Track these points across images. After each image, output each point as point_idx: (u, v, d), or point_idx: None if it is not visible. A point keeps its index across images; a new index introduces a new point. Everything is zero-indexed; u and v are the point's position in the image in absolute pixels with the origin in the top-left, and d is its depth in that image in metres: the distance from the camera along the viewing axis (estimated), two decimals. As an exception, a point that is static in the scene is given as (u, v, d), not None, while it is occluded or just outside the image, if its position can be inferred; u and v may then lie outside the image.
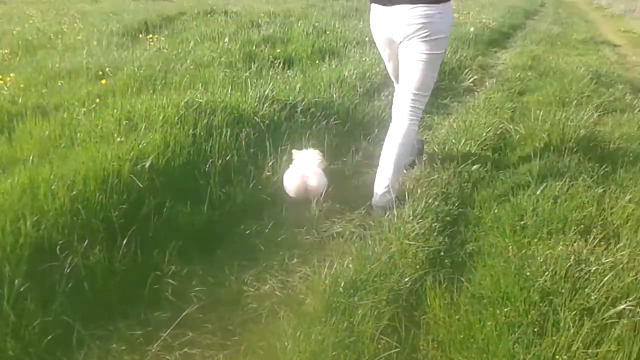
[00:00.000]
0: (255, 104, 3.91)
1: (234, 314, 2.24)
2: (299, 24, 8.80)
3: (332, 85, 4.93)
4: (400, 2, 2.80)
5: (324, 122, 4.08)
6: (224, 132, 3.38)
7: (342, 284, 2.26)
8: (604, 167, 3.42)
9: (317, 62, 6.14)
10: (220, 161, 3.16)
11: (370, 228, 2.86)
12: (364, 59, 6.10)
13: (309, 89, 4.72)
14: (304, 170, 3.11)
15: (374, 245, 2.62)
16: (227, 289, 2.37)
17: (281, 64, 6.00)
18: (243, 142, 3.41)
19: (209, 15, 10.20)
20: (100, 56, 6.02)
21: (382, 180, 3.04)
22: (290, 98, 4.25)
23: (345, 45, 7.27)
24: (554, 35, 10.85)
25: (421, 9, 2.76)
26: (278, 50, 6.69)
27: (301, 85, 4.73)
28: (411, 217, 2.83)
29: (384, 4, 2.90)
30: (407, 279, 2.35)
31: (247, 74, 5.18)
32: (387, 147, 3.07)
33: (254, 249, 2.67)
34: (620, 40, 11.68)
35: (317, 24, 8.87)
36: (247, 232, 2.80)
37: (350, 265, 2.43)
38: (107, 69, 5.08)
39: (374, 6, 3.02)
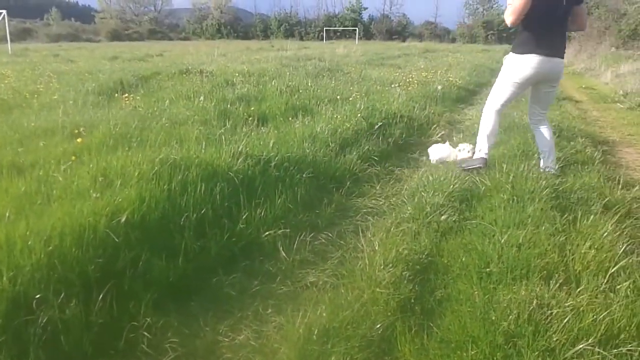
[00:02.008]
0: (230, 160, 4.01)
1: (209, 365, 2.27)
2: (273, 83, 9.08)
3: (304, 141, 5.09)
4: (556, 55, 4.44)
5: (297, 176, 4.19)
6: (199, 187, 3.46)
7: (316, 332, 2.32)
8: (565, 215, 3.57)
9: (290, 119, 6.32)
10: (195, 215, 3.23)
11: (343, 277, 2.92)
12: (335, 116, 6.31)
13: (282, 144, 4.87)
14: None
15: (346, 294, 2.69)
16: (202, 339, 2.41)
17: (255, 121, 6.17)
18: (217, 197, 3.49)
19: (184, 75, 10.45)
20: (76, 115, 6.10)
21: (550, 159, 4.79)
22: (264, 153, 4.37)
23: (318, 103, 7.51)
24: (518, 92, 11.28)
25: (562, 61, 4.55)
26: (252, 108, 6.88)
27: (275, 141, 4.87)
28: (382, 266, 2.91)
29: (550, 56, 4.39)
30: (378, 326, 2.42)
31: (222, 130, 5.32)
32: (548, 139, 4.81)
33: (229, 300, 2.72)
34: (582, 96, 12.23)
35: (290, 83, 9.15)
36: (222, 283, 2.85)
37: (323, 314, 2.49)
38: (81, 128, 5.16)
39: (535, 56, 4.38)
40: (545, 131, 4.83)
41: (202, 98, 7.37)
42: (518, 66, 4.51)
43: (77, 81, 9.52)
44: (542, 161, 4.85)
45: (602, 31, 24.01)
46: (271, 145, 4.70)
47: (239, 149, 4.24)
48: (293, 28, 72.70)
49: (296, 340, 2.29)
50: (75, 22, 74.51)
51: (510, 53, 4.62)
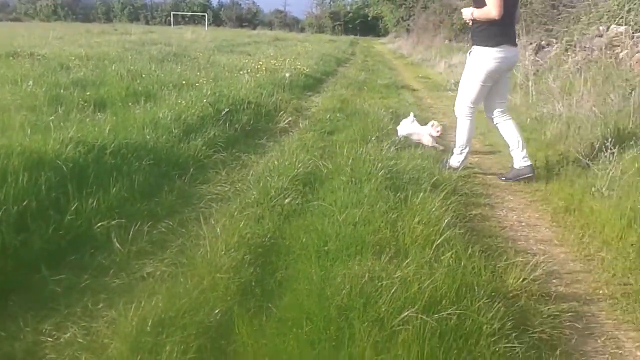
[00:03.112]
0: (58, 147, 3.71)
1: (29, 367, 2.08)
2: (113, 67, 8.63)
3: (145, 127, 4.88)
4: (516, 45, 4.79)
5: (136, 164, 4.00)
6: (21, 177, 3.15)
7: (150, 323, 2.22)
8: (398, 194, 3.78)
9: (131, 104, 6.03)
10: (15, 207, 2.93)
11: (183, 266, 2.84)
12: (179, 102, 6.13)
13: (120, 130, 4.61)
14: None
15: (185, 282, 2.61)
16: (22, 341, 2.19)
17: (92, 107, 5.80)
18: (43, 187, 3.21)
19: (11, 58, 9.59)
20: None
21: (524, 150, 4.81)
22: (99, 140, 4.11)
23: (162, 88, 7.26)
24: (361, 80, 11.87)
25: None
26: (88, 93, 6.49)
27: (112, 127, 4.60)
28: (224, 252, 2.88)
29: (514, 45, 4.72)
30: (217, 311, 2.38)
31: (52, 117, 4.91)
32: (517, 130, 4.86)
33: (54, 297, 2.50)
34: (418, 85, 13.06)
35: (132, 67, 8.75)
36: (46, 280, 2.62)
37: (159, 304, 2.39)
38: None
39: (506, 47, 4.56)
40: (511, 122, 4.88)
41: (30, 82, 6.77)
42: (493, 59, 4.55)
43: None
44: (514, 159, 4.84)
45: (437, 24, 25.87)
46: (107, 131, 4.44)
47: (69, 136, 3.93)
48: (138, 11, 69.57)
49: (128, 333, 2.17)
50: None
51: (480, 47, 4.61)
